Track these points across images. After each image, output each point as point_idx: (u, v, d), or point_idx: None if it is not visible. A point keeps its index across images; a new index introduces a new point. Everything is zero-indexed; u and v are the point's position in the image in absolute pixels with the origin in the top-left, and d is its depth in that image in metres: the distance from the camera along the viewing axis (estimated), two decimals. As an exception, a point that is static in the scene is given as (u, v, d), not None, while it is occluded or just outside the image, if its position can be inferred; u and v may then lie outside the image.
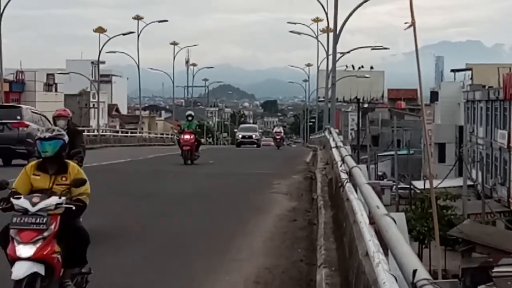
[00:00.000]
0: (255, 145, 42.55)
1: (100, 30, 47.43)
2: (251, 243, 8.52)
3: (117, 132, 49.46)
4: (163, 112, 75.19)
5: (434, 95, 48.73)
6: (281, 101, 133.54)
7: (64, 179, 4.51)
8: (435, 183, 25.10)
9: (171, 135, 56.07)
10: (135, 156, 25.75)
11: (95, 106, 52.33)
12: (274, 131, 46.01)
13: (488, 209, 30.78)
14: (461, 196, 30.79)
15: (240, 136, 44.34)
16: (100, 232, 7.40)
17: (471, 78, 45.09)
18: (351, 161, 8.36)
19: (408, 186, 33.27)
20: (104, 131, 45.87)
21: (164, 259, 7.33)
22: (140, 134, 51.92)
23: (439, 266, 20.15)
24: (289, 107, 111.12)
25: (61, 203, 4.23)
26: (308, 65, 64.70)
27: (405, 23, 14.39)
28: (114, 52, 50.17)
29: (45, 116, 19.83)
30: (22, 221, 4.10)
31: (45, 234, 4.08)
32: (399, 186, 35.75)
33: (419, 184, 33.18)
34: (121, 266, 6.78)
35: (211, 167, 20.79)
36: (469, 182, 34.39)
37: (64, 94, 52.08)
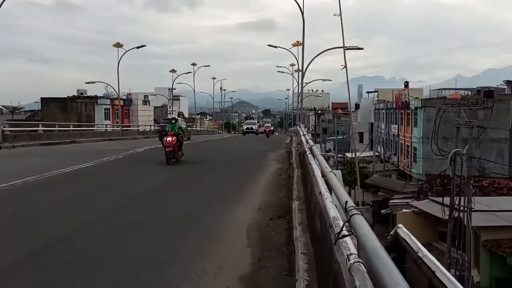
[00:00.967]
0: (255, 133, 57.89)
1: (173, 71, 75.00)
2: (257, 187, 13.43)
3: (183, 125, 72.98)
4: (208, 116, 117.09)
5: (357, 106, 74.57)
6: (273, 110, 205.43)
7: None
8: (357, 154, 38.48)
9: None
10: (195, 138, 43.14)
11: (170, 112, 78.50)
12: (264, 125, 67.25)
13: (387, 168, 49.82)
14: (371, 161, 51.01)
15: (245, 127, 64.21)
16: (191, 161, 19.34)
17: (377, 96, 70.23)
18: (311, 142, 14.04)
19: (342, 156, 51.99)
20: None
21: (208, 196, 12.05)
22: (195, 128, 78.39)
23: (359, 199, 31.01)
24: (278, 113, 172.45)
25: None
26: (288, 89, 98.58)
27: (341, 65, 26.27)
28: (180, 83, 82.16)
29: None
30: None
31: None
32: (338, 156, 53.70)
33: (348, 154, 50.64)
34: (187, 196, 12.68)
35: (235, 146, 32.81)
36: (376, 153, 56.00)
37: (154, 106, 78.60)
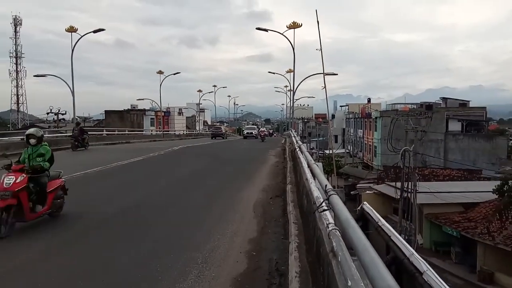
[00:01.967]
0: (254, 137, 45.01)
1: (199, 91, 71.07)
2: (260, 175, 13.12)
3: (206, 131, 71.21)
4: (225, 123, 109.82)
5: (333, 116, 70.75)
6: (272, 119, 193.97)
7: None
8: (333, 151, 37.32)
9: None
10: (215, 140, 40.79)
11: (198, 121, 79.76)
12: (260, 130, 53.07)
13: (355, 161, 49.85)
14: (343, 156, 49.86)
15: (246, 132, 49.31)
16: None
17: (348, 109, 66.90)
18: (300, 142, 14.96)
19: (322, 152, 49.53)
20: (201, 130, 72.34)
21: (225, 181, 11.97)
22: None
23: (335, 184, 29.32)
24: (276, 121, 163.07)
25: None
26: (282, 104, 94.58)
27: (322, 86, 25.97)
28: (205, 99, 76.85)
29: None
30: None
31: None
32: (319, 152, 50.56)
33: (327, 151, 48.32)
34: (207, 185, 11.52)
35: (245, 145, 31.19)
36: (347, 151, 54.59)
37: (186, 116, 78.07)
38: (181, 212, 7.71)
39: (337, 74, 37.43)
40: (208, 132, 65.63)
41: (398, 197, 20.60)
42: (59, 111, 45.67)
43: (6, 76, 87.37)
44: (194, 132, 65.90)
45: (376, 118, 43.95)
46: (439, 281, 2.68)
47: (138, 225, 6.68)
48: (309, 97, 75.54)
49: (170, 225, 6.74)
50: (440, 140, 39.06)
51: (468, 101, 51.25)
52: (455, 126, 40.66)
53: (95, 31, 26.88)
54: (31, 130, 7.13)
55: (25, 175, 6.04)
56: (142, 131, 48.44)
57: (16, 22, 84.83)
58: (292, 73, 38.43)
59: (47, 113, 48.01)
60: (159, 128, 57.92)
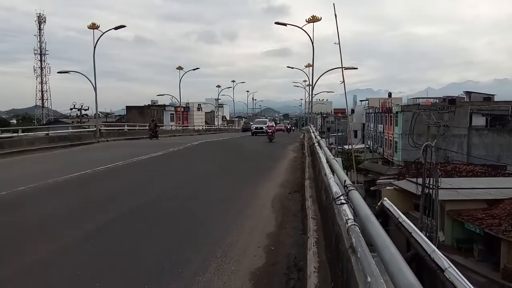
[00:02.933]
0: (265, 134, 31.83)
1: (218, 86, 72.49)
2: (279, 171, 12.85)
3: (224, 126, 77.42)
4: (243, 119, 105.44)
5: (352, 111, 74.18)
6: (290, 114, 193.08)
7: None
8: (353, 146, 37.82)
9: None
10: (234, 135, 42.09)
11: (216, 116, 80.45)
12: (267, 125, 38.01)
13: (375, 157, 48.58)
14: (363, 151, 49.64)
15: (254, 127, 38.08)
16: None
17: (368, 104, 66.65)
18: (318, 137, 14.70)
19: (341, 147, 50.22)
20: (219, 125, 74.62)
21: (244, 177, 12.06)
22: (232, 127, 79.59)
23: (354, 180, 27.84)
24: (294, 116, 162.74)
25: None
26: (301, 99, 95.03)
27: (340, 81, 26.13)
28: (224, 95, 79.78)
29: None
30: None
31: None
32: (338, 147, 51.48)
33: (346, 147, 48.99)
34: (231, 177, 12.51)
35: (263, 140, 29.20)
36: (367, 146, 54.36)
37: (205, 112, 78.02)
38: (200, 206, 7.78)
39: (356, 68, 36.99)
40: (227, 128, 65.87)
41: (419, 193, 20.26)
42: (82, 106, 46.85)
43: (31, 72, 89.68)
44: (213, 127, 66.27)
45: (397, 112, 43.16)
46: (462, 278, 2.63)
47: (158, 219, 6.79)
48: (328, 92, 74.79)
49: (190, 219, 6.82)
50: (464, 135, 38.10)
51: (493, 95, 49.74)
52: (479, 120, 39.54)
53: (116, 28, 27.27)
54: None
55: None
56: (163, 126, 49.04)
57: (40, 20, 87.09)
58: (311, 68, 38.17)
59: (71, 109, 49.33)
60: (179, 123, 58.51)
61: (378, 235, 2.19)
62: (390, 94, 63.63)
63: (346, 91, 25.30)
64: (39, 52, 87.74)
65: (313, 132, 20.17)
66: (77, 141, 23.44)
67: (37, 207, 7.61)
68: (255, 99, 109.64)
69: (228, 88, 74.39)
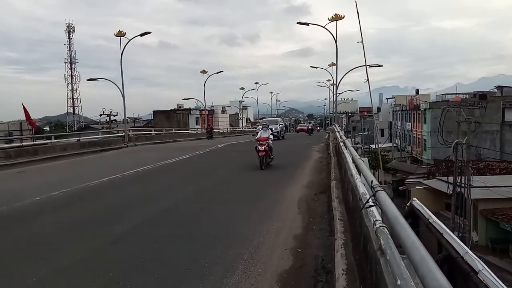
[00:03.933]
0: (278, 138, 28.32)
1: (242, 88, 72.45)
2: (304, 171, 12.90)
3: (249, 128, 74.11)
4: (260, 120, 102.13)
5: (378, 109, 72.06)
6: (315, 114, 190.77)
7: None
8: (379, 145, 37.46)
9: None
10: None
11: (241, 118, 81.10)
12: (305, 124, 52.53)
13: (403, 155, 47.67)
14: (390, 150, 48.74)
15: (260, 127, 30.12)
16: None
17: (395, 101, 65.65)
18: (344, 137, 14.66)
19: (368, 147, 47.07)
20: (244, 127, 74.29)
21: (269, 178, 12.05)
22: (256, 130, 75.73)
23: (382, 180, 29.25)
24: (318, 116, 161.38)
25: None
26: (325, 98, 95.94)
27: (364, 79, 25.69)
28: (247, 97, 77.67)
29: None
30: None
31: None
32: (364, 147, 48.06)
33: (372, 146, 46.41)
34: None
35: (287, 141, 30.64)
36: (394, 144, 53.15)
37: (229, 114, 79.12)
38: (226, 208, 7.83)
39: (382, 66, 36.19)
40: (251, 130, 65.97)
41: (451, 192, 19.64)
42: (111, 112, 48.15)
43: (62, 81, 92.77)
44: (237, 129, 66.61)
45: (425, 110, 42.08)
46: (496, 280, 2.53)
47: (186, 221, 6.88)
48: (353, 91, 73.25)
49: (217, 221, 6.87)
50: (496, 131, 36.67)
51: (527, 88, 47.66)
52: (512, 116, 38.01)
53: (142, 34, 27.88)
54: None
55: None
56: (188, 130, 49.72)
57: (70, 29, 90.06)
58: (334, 67, 37.78)
59: (100, 115, 50.77)
60: (204, 126, 59.21)
61: (407, 237, 2.14)
62: (417, 91, 62.12)
63: (371, 89, 24.84)
64: (69, 60, 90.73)
65: (338, 131, 19.93)
66: (107, 146, 24.10)
67: (68, 211, 7.86)
68: (279, 100, 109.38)
69: (251, 90, 74.46)
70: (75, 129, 74.30)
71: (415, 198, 4.78)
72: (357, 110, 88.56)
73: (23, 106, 23.58)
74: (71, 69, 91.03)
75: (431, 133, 38.10)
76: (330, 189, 8.83)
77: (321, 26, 30.71)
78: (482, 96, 40.11)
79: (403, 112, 54.79)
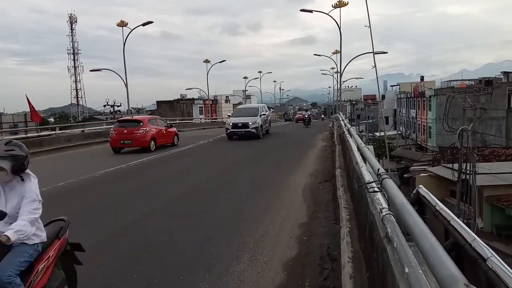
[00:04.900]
0: (252, 132, 20.41)
1: (245, 77, 72.63)
2: (309, 160, 12.74)
3: None
4: (271, 109, 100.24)
5: (383, 97, 65.58)
6: (319, 102, 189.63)
7: None
8: (385, 133, 35.89)
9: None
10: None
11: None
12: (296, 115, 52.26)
13: (407, 143, 46.86)
14: (395, 138, 47.98)
15: (230, 123, 20.77)
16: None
17: (399, 89, 63.24)
18: (348, 125, 14.85)
19: (372, 135, 46.49)
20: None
21: (274, 166, 12.39)
22: None
23: (388, 167, 27.22)
24: (322, 105, 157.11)
25: None
26: (329, 87, 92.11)
27: (371, 66, 25.01)
28: (251, 86, 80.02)
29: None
30: None
31: None
32: (369, 135, 47.83)
33: (377, 134, 46.75)
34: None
35: (287, 129, 31.81)
36: (399, 132, 52.79)
37: (232, 104, 73.58)
38: (231, 198, 7.83)
39: (386, 53, 35.79)
40: None
41: (456, 179, 19.56)
42: (114, 103, 48.21)
43: (66, 72, 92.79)
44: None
45: (430, 96, 41.76)
46: (506, 267, 2.50)
47: (191, 211, 6.89)
48: (357, 78, 72.90)
49: (222, 210, 6.88)
50: (502, 117, 36.39)
51: (533, 74, 47.07)
52: (518, 102, 37.61)
53: (144, 24, 27.72)
54: None
55: None
56: (192, 120, 49.71)
57: (72, 20, 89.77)
58: (338, 54, 37.45)
59: (104, 106, 50.86)
60: (208, 116, 59.16)
61: (416, 224, 2.11)
62: (422, 78, 61.56)
63: (377, 76, 24.50)
64: (72, 51, 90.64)
65: (342, 120, 19.78)
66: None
67: (74, 201, 7.90)
68: (283, 89, 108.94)
69: (255, 79, 74.27)
70: (80, 120, 74.58)
71: (421, 186, 4.73)
72: (361, 98, 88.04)
73: (27, 99, 23.64)
74: (74, 60, 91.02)
75: (436, 120, 37.86)
76: (335, 177, 8.81)
77: (324, 13, 30.38)
78: (487, 82, 39.69)
79: (408, 100, 54.42)
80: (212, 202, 7.47)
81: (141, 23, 27.73)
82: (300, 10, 32.08)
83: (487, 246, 2.79)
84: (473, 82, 47.37)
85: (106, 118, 47.20)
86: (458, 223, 3.36)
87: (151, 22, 27.88)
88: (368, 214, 4.06)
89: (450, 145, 25.08)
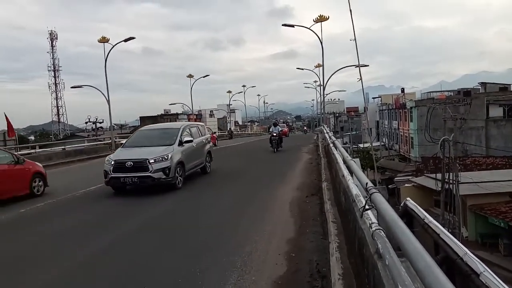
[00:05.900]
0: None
1: (229, 91, 71.94)
2: (294, 173, 12.68)
3: (237, 131, 74.94)
4: (256, 123, 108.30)
5: (365, 109, 65.65)
6: (303, 115, 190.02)
7: None
8: (367, 144, 39.04)
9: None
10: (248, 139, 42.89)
11: (229, 122, 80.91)
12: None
13: (390, 154, 47.59)
14: (379, 149, 47.38)
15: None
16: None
17: (381, 101, 64.52)
18: (333, 137, 14.41)
19: (356, 146, 47.02)
20: (232, 130, 68.44)
21: (260, 180, 11.74)
22: (245, 132, 78.51)
23: (376, 179, 27.53)
24: (306, 118, 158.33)
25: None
26: (312, 100, 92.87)
27: (357, 78, 24.42)
28: (235, 100, 78.05)
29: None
30: None
31: None
32: (353, 146, 47.43)
33: (360, 145, 48.76)
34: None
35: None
36: (382, 143, 53.73)
37: (217, 118, 77.19)
38: (216, 213, 7.67)
39: (368, 66, 36.46)
40: (239, 132, 66.05)
41: (439, 189, 19.80)
42: (96, 119, 47.54)
43: (46, 89, 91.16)
44: (226, 132, 66.35)
45: (411, 108, 42.56)
46: (500, 283, 2.44)
47: (174, 230, 6.70)
48: (340, 91, 73.82)
49: (207, 227, 6.71)
50: (481, 127, 37.30)
51: (509, 84, 48.46)
52: (496, 111, 38.61)
53: (126, 40, 27.56)
54: None
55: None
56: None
57: (52, 37, 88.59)
58: (321, 68, 37.91)
59: (86, 122, 50.09)
60: (192, 131, 58.90)
61: (409, 242, 2.04)
62: (403, 90, 62.60)
63: (358, 89, 24.98)
64: (52, 68, 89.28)
65: (327, 132, 19.86)
66: (94, 154, 23.68)
67: (52, 223, 7.61)
68: (267, 103, 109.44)
69: (239, 93, 74.37)
70: (61, 137, 73.13)
71: (409, 198, 4.71)
72: (344, 110, 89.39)
73: (6, 117, 23.10)
74: (55, 77, 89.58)
75: (417, 131, 38.50)
76: (322, 190, 8.75)
77: (306, 27, 30.80)
78: (466, 93, 40.69)
79: (389, 111, 55.29)
80: (197, 218, 7.30)
81: (122, 39, 27.58)
82: (282, 25, 32.41)
83: (479, 261, 2.74)
84: (452, 93, 48.55)
85: (88, 135, 46.44)
86: (448, 237, 3.32)
87: (133, 38, 27.74)
88: (357, 228, 3.99)
89: (433, 155, 25.47)
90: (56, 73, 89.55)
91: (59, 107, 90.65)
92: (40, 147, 22.62)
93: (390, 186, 30.81)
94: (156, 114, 65.15)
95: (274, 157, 18.61)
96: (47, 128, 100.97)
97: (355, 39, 22.11)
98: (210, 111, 77.98)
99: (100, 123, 47.80)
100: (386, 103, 58.29)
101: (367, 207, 3.32)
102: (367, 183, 3.60)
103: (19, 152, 20.68)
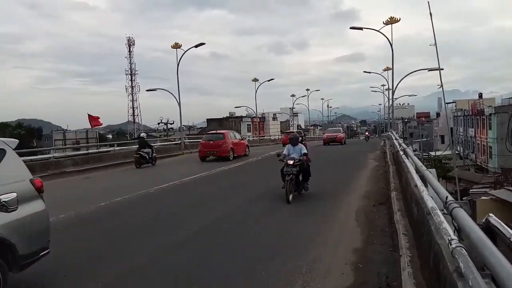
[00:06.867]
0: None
1: (293, 95, 71.95)
2: (360, 182, 12.12)
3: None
4: (318, 127, 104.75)
5: (437, 114, 70.85)
6: (368, 120, 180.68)
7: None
8: (439, 152, 37.31)
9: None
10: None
11: (291, 125, 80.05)
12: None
13: (466, 164, 43.68)
14: (452, 158, 40.25)
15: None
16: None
17: (455, 106, 60.37)
18: (404, 145, 13.34)
19: (427, 154, 41.98)
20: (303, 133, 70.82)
21: (321, 187, 11.42)
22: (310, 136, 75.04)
23: (446, 188, 27.43)
24: (372, 122, 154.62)
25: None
26: (380, 104, 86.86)
27: (438, 85, 20.30)
28: (298, 103, 77.25)
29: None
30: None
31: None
32: (423, 154, 44.04)
33: (432, 153, 43.72)
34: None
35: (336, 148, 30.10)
36: (456, 152, 46.31)
37: (280, 121, 78.34)
38: (281, 219, 7.67)
39: (443, 69, 34.32)
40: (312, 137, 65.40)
41: (522, 204, 17.96)
42: (168, 121, 50.17)
43: (123, 91, 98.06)
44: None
45: (490, 114, 39.23)
46: None
47: (240, 230, 6.81)
48: (410, 96, 70.27)
49: (271, 232, 6.73)
50: None
51: None
52: None
53: (197, 46, 28.71)
54: None
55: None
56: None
57: (130, 43, 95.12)
58: (389, 71, 36.41)
59: (158, 123, 53.08)
60: (255, 133, 59.62)
61: (501, 267, 1.86)
62: (480, 95, 58.07)
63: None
64: (129, 72, 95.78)
65: (396, 139, 18.95)
66: (166, 153, 25.01)
67: (134, 214, 8.13)
68: (331, 106, 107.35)
69: (302, 96, 73.81)
70: (135, 136, 78.10)
71: (491, 214, 4.32)
72: (414, 116, 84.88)
73: (88, 115, 25.17)
74: (131, 80, 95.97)
75: (497, 139, 35.43)
76: (391, 200, 8.36)
77: (375, 30, 29.85)
78: (556, 99, 36.65)
79: (465, 118, 51.51)
80: (261, 223, 7.35)
81: (193, 45, 28.77)
82: (350, 28, 31.65)
83: None
84: (538, 99, 43.94)
85: (160, 136, 49.12)
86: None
87: (203, 44, 28.81)
88: (433, 243, 3.75)
89: (515, 166, 23.22)
90: (133, 77, 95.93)
91: (135, 108, 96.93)
92: (117, 146, 24.35)
93: (465, 198, 28.69)
94: (222, 117, 67.03)
95: (337, 163, 18.15)
96: (124, 128, 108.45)
97: (435, 43, 20.90)
98: (273, 114, 78.34)
99: (171, 124, 50.34)
100: (462, 109, 54.36)
101: (446, 224, 3.09)
102: (447, 197, 3.36)
103: (99, 150, 22.48)
